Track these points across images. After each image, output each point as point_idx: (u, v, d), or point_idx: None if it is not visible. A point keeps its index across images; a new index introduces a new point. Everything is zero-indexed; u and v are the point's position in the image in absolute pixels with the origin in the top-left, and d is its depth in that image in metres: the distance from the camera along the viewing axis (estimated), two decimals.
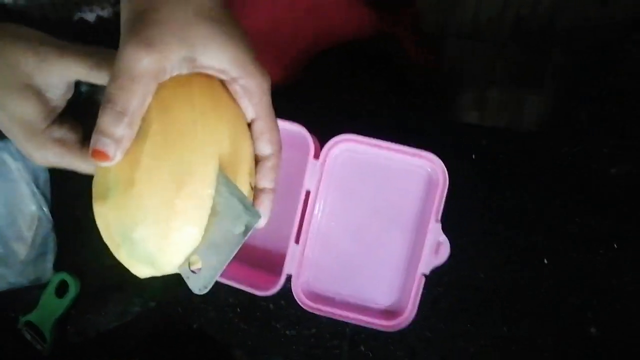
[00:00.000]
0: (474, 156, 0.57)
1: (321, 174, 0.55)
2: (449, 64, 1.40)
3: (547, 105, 1.31)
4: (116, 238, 0.30)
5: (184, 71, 0.29)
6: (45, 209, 0.66)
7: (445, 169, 0.53)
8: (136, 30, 0.27)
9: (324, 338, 0.61)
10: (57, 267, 0.68)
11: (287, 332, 0.62)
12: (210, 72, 0.30)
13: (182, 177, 0.28)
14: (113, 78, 0.27)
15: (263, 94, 0.31)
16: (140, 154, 0.28)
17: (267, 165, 0.32)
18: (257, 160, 0.33)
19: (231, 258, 0.30)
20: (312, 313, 0.56)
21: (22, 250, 0.62)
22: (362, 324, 0.55)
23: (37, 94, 0.33)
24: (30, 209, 0.63)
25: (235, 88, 0.31)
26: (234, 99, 0.31)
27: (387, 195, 0.57)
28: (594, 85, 1.24)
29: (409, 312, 0.54)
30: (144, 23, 0.27)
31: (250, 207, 0.29)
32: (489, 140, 0.58)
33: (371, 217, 0.57)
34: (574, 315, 0.56)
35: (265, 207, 0.33)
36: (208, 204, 0.29)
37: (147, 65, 0.27)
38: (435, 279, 0.57)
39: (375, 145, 0.54)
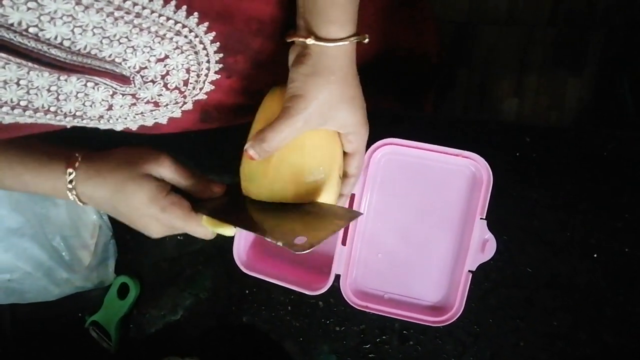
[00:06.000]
0: (517, 154, 0.57)
1: (365, 177, 0.56)
2: (484, 51, 1.37)
3: (589, 88, 1.28)
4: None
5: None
6: (105, 218, 0.70)
7: (489, 167, 0.54)
8: (298, 110, 0.41)
9: (373, 333, 0.63)
10: (118, 270, 0.72)
11: (337, 328, 0.64)
12: (331, 129, 0.45)
13: (296, 172, 0.44)
14: (271, 129, 0.42)
15: (363, 142, 0.47)
16: (271, 158, 0.43)
17: (350, 181, 0.49)
18: (345, 176, 0.49)
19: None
20: (361, 310, 0.58)
21: (86, 257, 0.67)
22: (410, 320, 0.57)
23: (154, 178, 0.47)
24: (91, 218, 0.67)
25: (347, 137, 0.46)
26: (336, 136, 0.46)
27: (432, 194, 0.58)
28: (636, 65, 1.19)
29: (457, 308, 0.55)
30: (306, 105, 0.41)
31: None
32: (532, 137, 0.57)
33: (416, 216, 0.59)
34: (623, 310, 0.56)
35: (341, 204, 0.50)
36: (312, 191, 0.45)
37: (297, 130, 0.42)
38: (481, 275, 0.58)
39: (418, 148, 0.55)
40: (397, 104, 0.78)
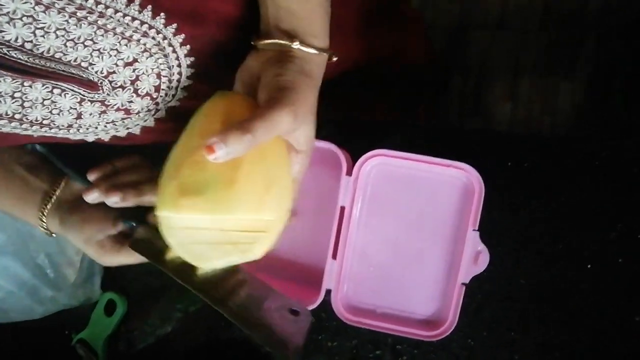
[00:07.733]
0: (509, 163, 0.56)
1: (354, 189, 0.55)
2: (476, 57, 1.37)
3: (582, 92, 1.27)
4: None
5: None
6: None
7: (481, 178, 0.53)
8: (291, 101, 0.36)
9: (366, 348, 0.62)
10: (104, 287, 0.71)
11: (329, 343, 0.63)
12: (291, 140, 0.41)
13: (270, 181, 0.37)
14: (261, 117, 0.35)
15: (305, 169, 0.43)
16: (242, 161, 0.36)
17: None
18: None
19: None
20: (353, 325, 0.57)
21: (71, 274, 0.65)
22: (404, 335, 0.56)
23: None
24: None
25: (298, 155, 0.41)
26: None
27: (423, 206, 0.57)
28: (629, 69, 1.19)
29: (450, 321, 0.54)
30: (298, 98, 0.37)
31: None
32: (524, 147, 0.56)
33: (408, 228, 0.57)
34: (618, 320, 0.55)
35: None
36: (288, 202, 0.40)
37: (287, 124, 0.36)
38: (475, 288, 0.57)
39: (408, 159, 0.54)
40: (390, 113, 0.77)
